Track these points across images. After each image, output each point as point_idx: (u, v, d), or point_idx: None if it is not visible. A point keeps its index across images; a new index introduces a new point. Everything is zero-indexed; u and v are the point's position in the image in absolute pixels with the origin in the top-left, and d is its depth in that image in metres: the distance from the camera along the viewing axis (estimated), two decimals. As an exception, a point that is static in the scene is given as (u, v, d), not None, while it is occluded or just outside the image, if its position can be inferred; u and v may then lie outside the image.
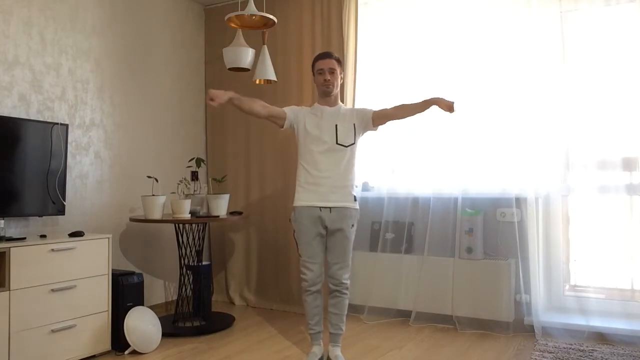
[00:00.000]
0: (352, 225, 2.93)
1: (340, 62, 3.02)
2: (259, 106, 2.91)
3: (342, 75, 3.05)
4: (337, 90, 3.00)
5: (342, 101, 3.84)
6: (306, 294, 2.93)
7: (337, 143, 2.90)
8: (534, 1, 3.45)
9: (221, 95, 2.73)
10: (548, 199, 3.51)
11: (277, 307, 4.20)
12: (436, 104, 2.81)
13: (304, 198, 2.90)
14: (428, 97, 2.87)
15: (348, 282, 2.94)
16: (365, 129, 3.03)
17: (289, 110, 2.99)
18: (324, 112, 2.97)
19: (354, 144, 2.95)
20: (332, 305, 2.95)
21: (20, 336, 2.69)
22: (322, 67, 2.95)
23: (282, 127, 2.98)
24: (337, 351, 2.95)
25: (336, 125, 2.92)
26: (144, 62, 4.07)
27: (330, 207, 2.87)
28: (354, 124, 2.97)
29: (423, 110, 2.89)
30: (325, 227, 2.89)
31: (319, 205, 2.87)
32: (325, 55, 3.00)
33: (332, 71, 2.95)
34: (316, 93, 3.12)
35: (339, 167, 2.89)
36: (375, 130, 3.06)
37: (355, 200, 2.95)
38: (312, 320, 2.96)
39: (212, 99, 2.71)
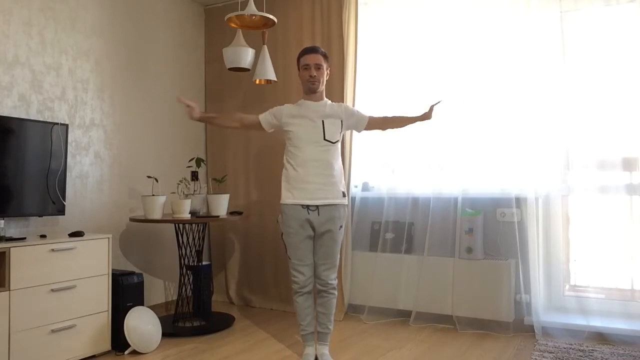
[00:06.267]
0: (340, 227, 2.91)
1: (327, 57, 2.95)
2: (235, 121, 3.02)
3: (328, 71, 2.98)
4: (323, 86, 2.93)
5: (343, 101, 3.84)
6: (297, 296, 2.91)
7: (324, 139, 2.87)
8: (534, 1, 3.45)
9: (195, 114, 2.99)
10: (548, 199, 3.51)
11: (277, 307, 4.20)
12: (422, 120, 3.00)
13: (291, 196, 2.86)
14: (419, 114, 3.02)
15: (335, 282, 2.93)
16: (350, 128, 3.05)
17: (267, 116, 2.98)
18: (309, 108, 2.91)
19: (339, 140, 2.94)
20: (320, 305, 2.95)
21: (20, 336, 2.69)
22: (308, 63, 2.88)
23: (267, 130, 3.02)
24: (324, 349, 2.95)
25: (323, 122, 2.89)
26: (144, 62, 4.07)
27: (317, 205, 2.84)
28: (341, 120, 2.94)
29: (412, 123, 3.04)
30: (314, 229, 2.87)
31: (306, 204, 2.83)
32: (312, 50, 2.92)
33: (318, 67, 2.88)
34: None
35: (325, 164, 2.86)
36: (359, 132, 3.13)
37: (344, 195, 2.92)
38: (304, 321, 2.94)
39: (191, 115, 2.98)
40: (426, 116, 2.98)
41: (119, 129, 3.84)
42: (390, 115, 3.07)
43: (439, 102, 2.99)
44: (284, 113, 2.94)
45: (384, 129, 3.08)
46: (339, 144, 2.95)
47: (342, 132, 2.96)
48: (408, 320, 3.74)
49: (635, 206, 3.26)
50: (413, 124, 3.03)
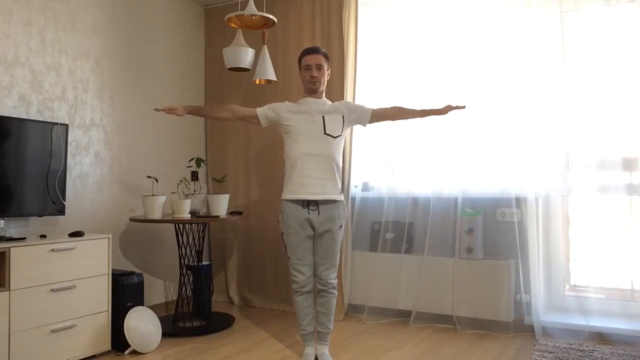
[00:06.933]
0: (340, 227, 2.91)
1: (328, 57, 2.97)
2: (228, 112, 2.98)
3: (329, 72, 2.99)
4: (323, 86, 2.95)
5: (343, 99, 3.84)
6: (297, 295, 2.91)
7: (325, 133, 2.87)
8: (534, 1, 3.45)
9: (179, 109, 2.97)
10: (548, 199, 3.51)
11: (277, 307, 4.20)
12: (436, 114, 2.96)
13: (290, 191, 2.87)
14: (427, 108, 3.00)
15: (335, 281, 2.93)
16: (354, 123, 3.03)
17: (265, 110, 2.97)
18: (311, 104, 2.92)
19: (340, 135, 2.92)
20: (320, 305, 2.95)
21: (20, 336, 2.69)
22: (309, 63, 2.90)
23: (262, 125, 3.00)
24: (324, 349, 2.95)
25: (323, 117, 2.89)
26: (144, 62, 4.07)
27: (317, 201, 2.84)
28: (343, 116, 2.94)
29: (422, 117, 3.01)
30: (314, 229, 2.87)
31: (305, 198, 2.83)
32: (313, 50, 2.94)
33: (319, 67, 2.90)
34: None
35: (326, 158, 2.86)
36: (365, 126, 3.08)
37: (341, 193, 2.92)
38: (304, 321, 2.94)
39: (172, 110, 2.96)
40: (441, 111, 2.95)
41: (119, 129, 3.84)
42: (399, 106, 3.03)
43: (463, 106, 2.93)
44: (284, 109, 2.95)
45: (393, 120, 3.06)
46: (342, 140, 2.94)
47: (345, 128, 2.95)
48: (408, 320, 3.74)
49: (635, 206, 3.26)
50: (422, 118, 3.02)
